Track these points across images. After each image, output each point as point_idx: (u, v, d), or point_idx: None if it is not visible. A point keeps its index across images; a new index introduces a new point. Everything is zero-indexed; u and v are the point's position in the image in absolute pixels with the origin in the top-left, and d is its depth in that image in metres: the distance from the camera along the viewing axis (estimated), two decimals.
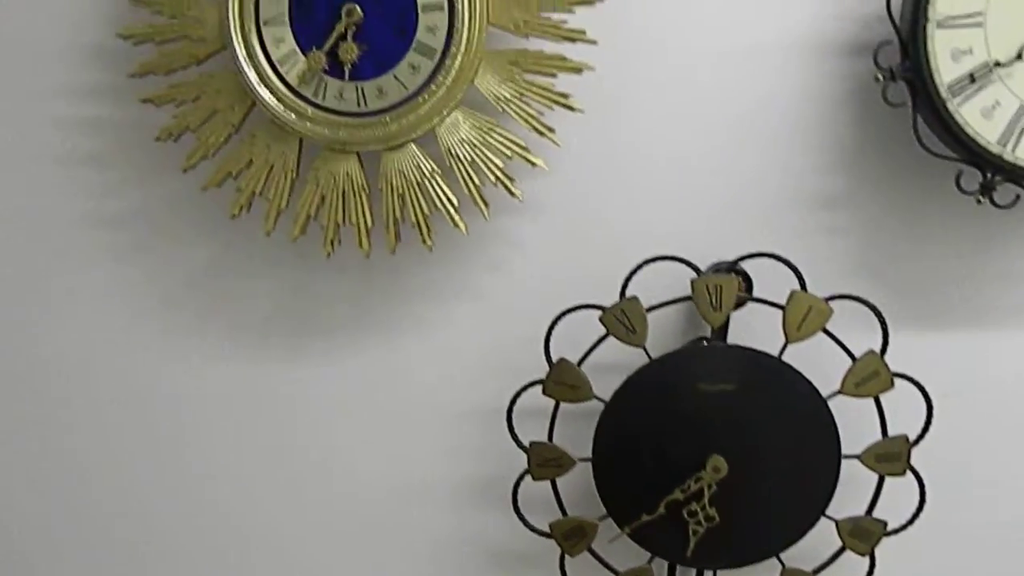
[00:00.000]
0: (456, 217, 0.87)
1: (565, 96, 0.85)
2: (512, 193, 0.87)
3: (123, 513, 0.98)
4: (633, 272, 0.84)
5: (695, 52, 0.90)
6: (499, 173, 0.86)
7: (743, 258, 0.85)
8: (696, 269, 0.85)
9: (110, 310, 0.97)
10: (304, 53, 0.83)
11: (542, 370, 0.86)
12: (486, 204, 0.87)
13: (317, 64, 0.83)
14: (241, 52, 0.83)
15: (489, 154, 0.86)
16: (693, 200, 0.91)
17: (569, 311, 0.84)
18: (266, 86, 0.84)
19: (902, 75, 0.82)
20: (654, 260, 0.84)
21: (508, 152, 0.86)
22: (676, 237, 0.89)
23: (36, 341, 0.97)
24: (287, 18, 0.83)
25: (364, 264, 0.91)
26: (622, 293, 0.84)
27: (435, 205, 0.87)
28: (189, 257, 0.95)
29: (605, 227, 0.91)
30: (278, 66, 0.84)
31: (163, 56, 0.86)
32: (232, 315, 0.96)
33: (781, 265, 0.84)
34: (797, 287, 0.83)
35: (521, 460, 0.86)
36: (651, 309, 0.84)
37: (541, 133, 0.85)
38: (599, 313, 0.83)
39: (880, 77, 0.82)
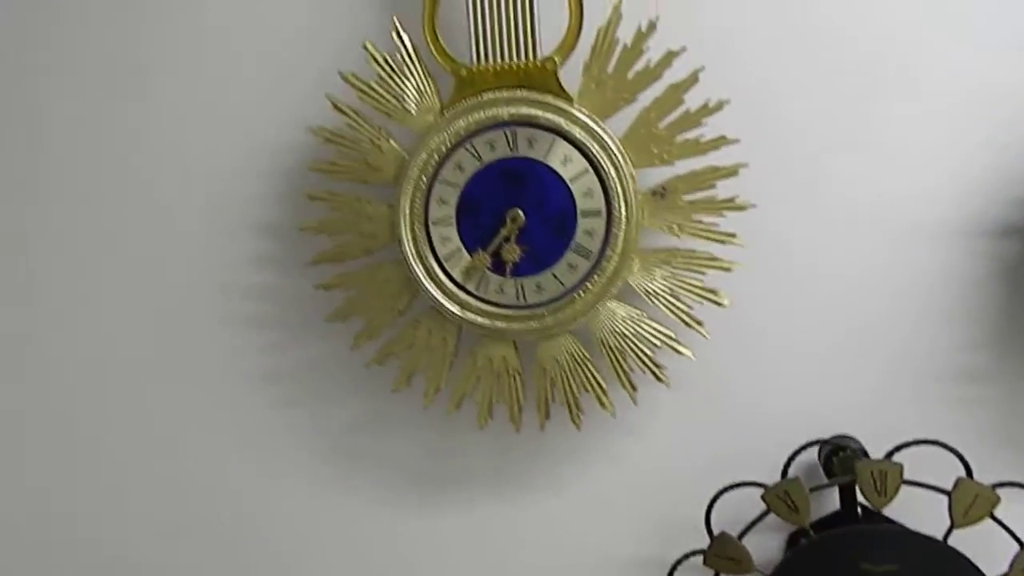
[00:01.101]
0: (605, 400, 0.92)
1: (714, 292, 0.89)
2: (659, 379, 0.91)
3: None
4: (796, 453, 0.89)
5: (843, 233, 0.93)
6: (648, 361, 0.91)
7: (908, 444, 0.86)
8: (854, 453, 0.89)
9: (261, 460, 1.03)
10: (469, 252, 0.89)
11: (674, 532, 0.93)
12: (634, 388, 0.91)
13: (482, 264, 0.89)
14: (410, 249, 0.90)
15: (638, 343, 0.90)
16: (838, 377, 0.94)
17: (731, 488, 0.88)
18: (432, 280, 0.90)
19: None
20: (815, 444, 0.89)
21: (657, 342, 0.91)
22: (823, 414, 0.93)
23: (186, 490, 1.04)
24: (454, 220, 0.89)
25: (511, 432, 0.96)
26: (784, 473, 0.88)
27: (585, 388, 0.92)
28: (344, 413, 1.01)
29: (750, 406, 0.95)
30: (443, 262, 0.90)
31: (337, 248, 0.93)
32: (379, 470, 1.01)
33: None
34: (952, 464, 0.84)
35: None
36: (813, 489, 0.86)
37: (689, 325, 0.90)
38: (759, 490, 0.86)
39: None
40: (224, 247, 1.01)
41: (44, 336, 1.04)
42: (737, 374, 0.95)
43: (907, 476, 0.86)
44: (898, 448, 0.88)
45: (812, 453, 0.93)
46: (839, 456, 0.90)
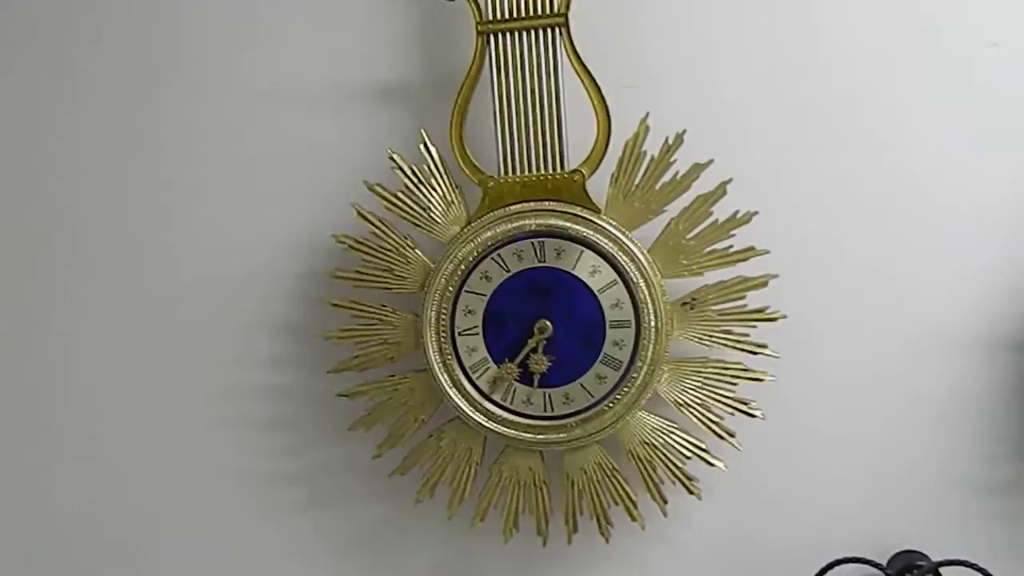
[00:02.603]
0: (635, 512, 0.90)
1: (746, 403, 0.88)
2: (691, 491, 0.89)
3: None
4: (822, 572, 0.87)
5: (871, 345, 0.92)
6: (678, 472, 0.89)
7: (944, 564, 0.85)
8: (886, 572, 0.87)
9: (278, 560, 1.00)
10: (496, 363, 0.88)
11: None
12: (664, 501, 0.89)
13: (509, 375, 0.87)
14: (435, 359, 0.88)
15: (669, 455, 0.89)
16: (869, 489, 0.92)
17: None
18: (457, 389, 0.89)
19: None
20: (842, 562, 0.86)
21: (688, 453, 0.89)
22: (852, 525, 0.91)
23: None
24: (481, 329, 0.88)
25: (537, 544, 0.93)
26: None
27: (614, 500, 0.90)
28: (364, 520, 0.99)
29: (782, 517, 0.92)
30: (469, 372, 0.89)
31: (360, 356, 0.92)
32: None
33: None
34: None
35: None
36: None
37: (721, 437, 0.89)
38: None
39: None
40: (246, 348, 0.99)
41: (63, 429, 1.01)
42: (769, 485, 0.93)
43: None
44: (936, 567, 0.86)
45: (843, 570, 0.90)
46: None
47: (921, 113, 0.90)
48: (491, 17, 0.84)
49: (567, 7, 0.83)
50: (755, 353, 0.87)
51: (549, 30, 0.84)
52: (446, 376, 0.89)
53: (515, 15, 0.84)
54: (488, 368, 0.89)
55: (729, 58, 0.90)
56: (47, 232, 1.01)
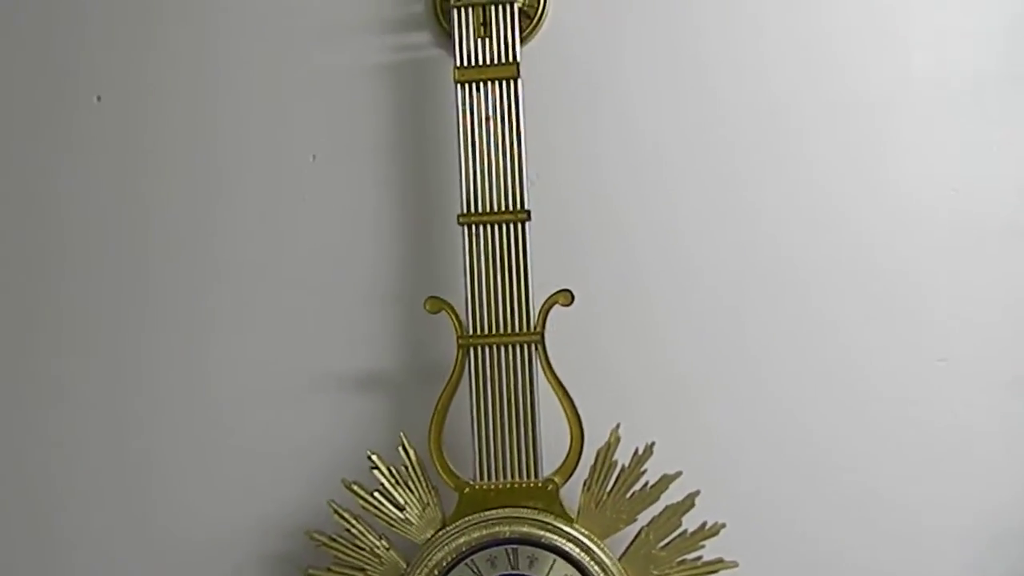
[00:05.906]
0: None
1: None
2: None
3: None
4: None
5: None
6: None
7: None
8: None
9: None
10: None
11: None
12: None
13: None
14: None
15: None
16: None
17: None
18: None
19: None
20: None
21: None
22: None
23: None
24: None
25: None
26: None
27: None
28: None
29: None
30: None
31: None
32: None
33: None
34: None
35: None
36: None
37: None
38: None
39: None
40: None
41: None
42: None
43: None
44: None
45: None
46: None
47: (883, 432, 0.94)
48: (471, 332, 0.89)
49: (543, 326, 0.89)
50: None
51: (526, 346, 0.89)
52: None
53: (494, 331, 0.89)
54: None
55: (697, 372, 0.96)
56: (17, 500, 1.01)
